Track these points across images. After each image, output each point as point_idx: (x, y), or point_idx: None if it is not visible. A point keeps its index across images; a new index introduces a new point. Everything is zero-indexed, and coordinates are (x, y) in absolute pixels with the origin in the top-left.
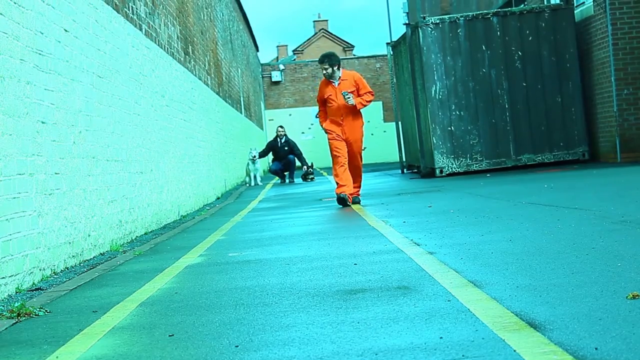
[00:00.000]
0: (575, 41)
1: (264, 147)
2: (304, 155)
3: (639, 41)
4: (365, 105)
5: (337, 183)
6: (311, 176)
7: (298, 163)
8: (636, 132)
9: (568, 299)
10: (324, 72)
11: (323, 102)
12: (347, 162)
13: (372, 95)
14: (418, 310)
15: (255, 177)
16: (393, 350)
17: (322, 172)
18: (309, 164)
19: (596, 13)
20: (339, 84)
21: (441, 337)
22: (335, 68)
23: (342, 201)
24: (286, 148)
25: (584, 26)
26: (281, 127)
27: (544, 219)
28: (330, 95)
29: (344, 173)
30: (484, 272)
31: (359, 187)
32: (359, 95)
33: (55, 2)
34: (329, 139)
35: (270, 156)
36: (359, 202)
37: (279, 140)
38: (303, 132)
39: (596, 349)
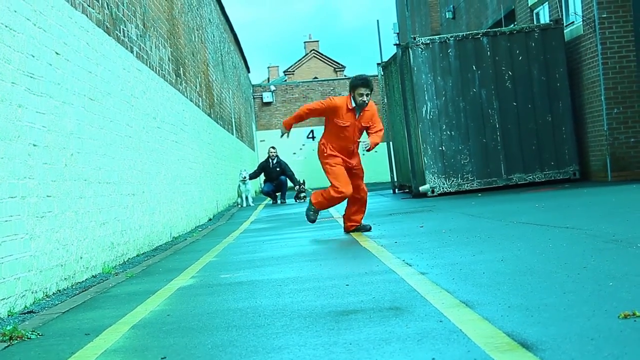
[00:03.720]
0: (565, 60)
1: (255, 167)
2: (295, 176)
3: (628, 60)
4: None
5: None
6: (303, 194)
7: (290, 184)
8: (626, 151)
9: (560, 319)
10: (363, 98)
11: (326, 118)
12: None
13: (382, 132)
14: (410, 331)
15: (246, 197)
16: None
17: (312, 191)
18: (301, 182)
19: (586, 32)
20: (361, 115)
21: (433, 358)
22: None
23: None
24: (278, 169)
25: (573, 45)
26: (273, 148)
27: (536, 238)
28: (347, 125)
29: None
30: (476, 292)
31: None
32: (368, 130)
33: (46, 25)
34: (329, 165)
35: (262, 177)
36: (369, 229)
37: (270, 161)
38: (294, 153)
39: None
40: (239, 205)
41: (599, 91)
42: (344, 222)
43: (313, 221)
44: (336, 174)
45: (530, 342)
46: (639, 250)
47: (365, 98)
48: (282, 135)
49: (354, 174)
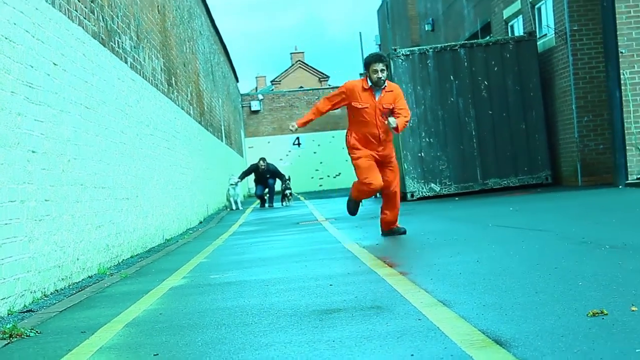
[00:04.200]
0: (538, 71)
1: (243, 174)
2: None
3: (598, 71)
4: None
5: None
6: (289, 191)
7: (278, 188)
8: (595, 157)
9: (532, 317)
10: (378, 75)
11: (344, 106)
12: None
13: (409, 116)
14: (390, 329)
15: (236, 202)
16: None
17: (299, 197)
18: (287, 178)
19: (558, 44)
20: (381, 95)
21: (412, 355)
22: (387, 72)
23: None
24: (267, 175)
25: (546, 57)
26: (263, 160)
27: (510, 240)
28: (367, 107)
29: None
30: (453, 291)
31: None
32: (392, 113)
33: (44, 37)
34: (354, 156)
35: (252, 179)
36: (404, 232)
37: (261, 167)
38: (281, 159)
39: None
40: (229, 209)
41: (570, 100)
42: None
43: (353, 213)
44: (359, 165)
45: (504, 339)
46: (607, 251)
47: (380, 75)
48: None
49: (385, 165)
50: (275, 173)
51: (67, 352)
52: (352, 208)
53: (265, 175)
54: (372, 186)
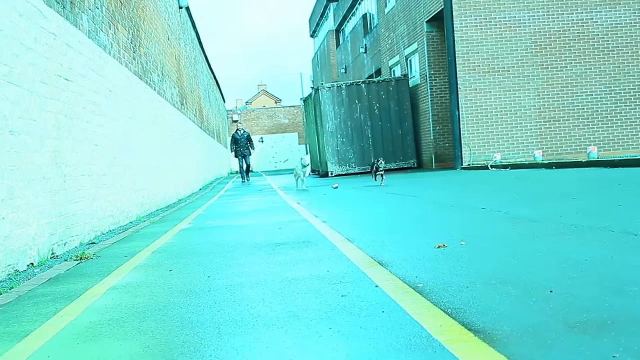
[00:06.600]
0: (409, 98)
1: (231, 146)
2: (253, 148)
3: (445, 99)
4: None
5: None
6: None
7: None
8: (443, 151)
9: (402, 248)
10: None
11: None
12: None
13: None
14: (315, 255)
15: (303, 180)
16: (300, 278)
17: (262, 174)
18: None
19: (421, 82)
20: None
21: (328, 271)
22: None
23: None
24: (245, 138)
25: (414, 89)
26: (240, 123)
27: (393, 201)
28: None
29: None
30: (355, 233)
31: None
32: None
33: (101, 71)
34: None
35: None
36: None
37: (238, 132)
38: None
39: (416, 277)
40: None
41: (428, 117)
42: None
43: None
44: None
45: (384, 262)
46: (450, 209)
47: None
48: None
49: None
50: (249, 138)
51: (116, 268)
52: None
53: (243, 138)
54: None
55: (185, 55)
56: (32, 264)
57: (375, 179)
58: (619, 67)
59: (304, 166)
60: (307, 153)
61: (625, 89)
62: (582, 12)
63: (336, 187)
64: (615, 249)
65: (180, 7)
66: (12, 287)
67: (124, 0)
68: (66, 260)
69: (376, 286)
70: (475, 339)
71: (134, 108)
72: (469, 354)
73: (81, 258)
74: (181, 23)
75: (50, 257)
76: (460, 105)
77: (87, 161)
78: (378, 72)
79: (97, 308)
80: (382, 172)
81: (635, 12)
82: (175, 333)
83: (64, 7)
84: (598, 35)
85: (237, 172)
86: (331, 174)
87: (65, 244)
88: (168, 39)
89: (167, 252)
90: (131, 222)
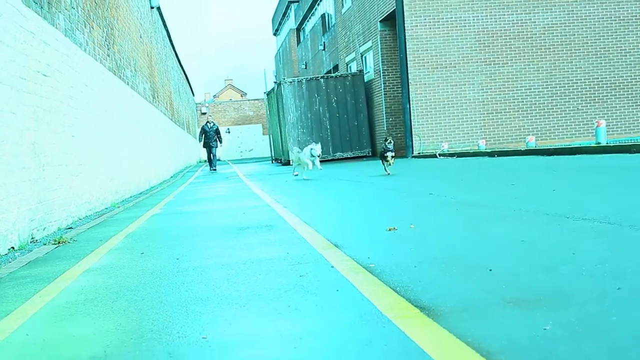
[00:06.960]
0: (365, 92)
1: (200, 136)
2: (220, 142)
3: (397, 92)
4: None
5: None
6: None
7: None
8: (396, 141)
9: (355, 232)
10: None
11: None
12: None
13: None
14: (276, 238)
15: (314, 164)
16: (262, 260)
17: (228, 162)
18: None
19: (375, 77)
20: None
21: (288, 253)
22: None
23: None
24: (213, 131)
25: (369, 84)
26: (210, 116)
27: (348, 187)
28: None
29: None
30: (313, 218)
31: None
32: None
33: (80, 69)
34: None
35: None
36: None
37: (208, 124)
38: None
39: (369, 257)
40: (296, 174)
41: (381, 109)
42: None
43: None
44: None
45: (338, 244)
46: (404, 195)
47: None
48: None
49: None
50: (218, 131)
51: (91, 252)
52: None
53: (212, 131)
54: None
55: (157, 52)
56: (13, 247)
57: (386, 167)
58: (555, 63)
59: (313, 156)
60: (271, 142)
61: (560, 84)
62: (522, 13)
63: (297, 175)
64: (549, 230)
65: (152, 7)
66: None
67: (99, 1)
68: (45, 244)
69: (332, 267)
70: (420, 314)
71: (108, 102)
72: (414, 329)
73: (59, 242)
74: (153, 22)
75: (30, 242)
76: (411, 99)
77: (65, 151)
78: (336, 68)
79: (73, 289)
80: (391, 158)
81: (569, 14)
82: (145, 312)
83: (41, 7)
84: (535, 34)
85: (205, 161)
86: (292, 162)
87: (44, 229)
88: (140, 37)
89: (139, 236)
90: (106, 208)
